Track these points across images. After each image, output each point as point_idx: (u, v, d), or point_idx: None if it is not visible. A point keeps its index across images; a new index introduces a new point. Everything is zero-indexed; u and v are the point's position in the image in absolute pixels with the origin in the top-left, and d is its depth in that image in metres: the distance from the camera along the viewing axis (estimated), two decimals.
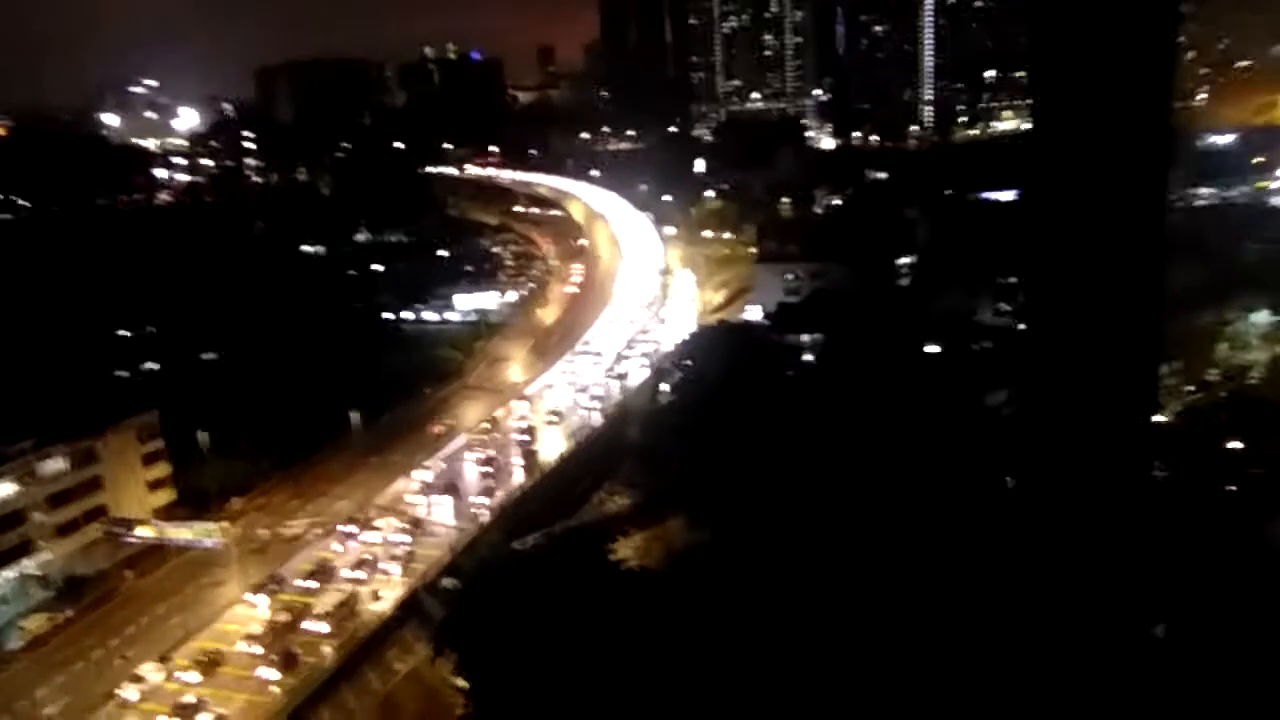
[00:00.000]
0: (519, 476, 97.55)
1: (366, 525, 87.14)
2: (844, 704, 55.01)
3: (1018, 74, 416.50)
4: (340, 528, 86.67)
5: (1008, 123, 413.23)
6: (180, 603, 77.55)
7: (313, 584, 77.89)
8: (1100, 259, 58.60)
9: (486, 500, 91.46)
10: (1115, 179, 57.06)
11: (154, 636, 72.36)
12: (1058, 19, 58.53)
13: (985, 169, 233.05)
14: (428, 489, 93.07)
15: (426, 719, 66.17)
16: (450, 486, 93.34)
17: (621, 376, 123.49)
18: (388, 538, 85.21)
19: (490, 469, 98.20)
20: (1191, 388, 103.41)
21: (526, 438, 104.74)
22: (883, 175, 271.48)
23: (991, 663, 56.03)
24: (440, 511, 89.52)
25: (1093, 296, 59.58)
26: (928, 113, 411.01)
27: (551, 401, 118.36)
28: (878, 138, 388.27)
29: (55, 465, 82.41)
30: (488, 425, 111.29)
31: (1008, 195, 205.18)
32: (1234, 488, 77.11)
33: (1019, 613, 59.29)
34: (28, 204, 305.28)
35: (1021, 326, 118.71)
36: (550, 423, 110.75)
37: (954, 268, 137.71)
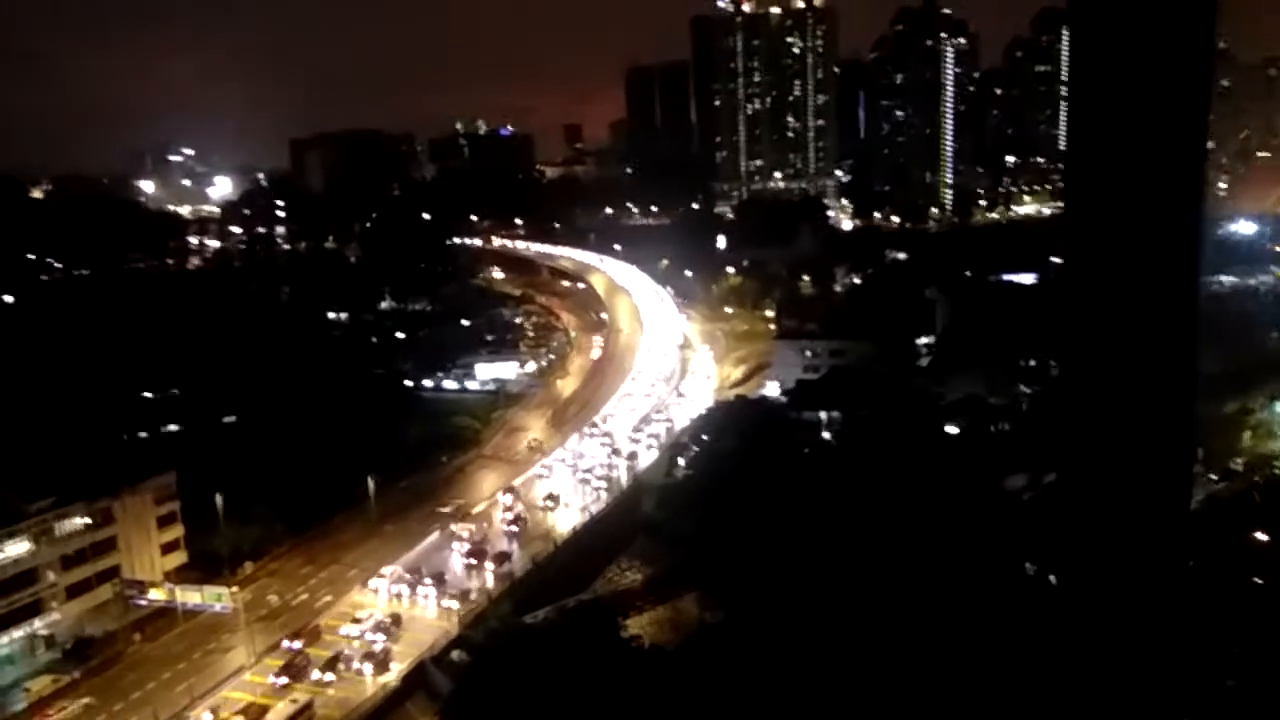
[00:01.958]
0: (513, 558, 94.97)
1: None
2: None
3: (1038, 159, 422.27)
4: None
5: (1027, 206, 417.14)
6: (187, 669, 76.78)
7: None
8: (1134, 342, 58.23)
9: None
10: (1149, 261, 57.07)
11: (159, 701, 71.46)
12: (1091, 103, 59.48)
13: (1005, 251, 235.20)
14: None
15: None
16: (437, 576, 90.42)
17: (632, 457, 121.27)
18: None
19: (474, 560, 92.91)
20: (1215, 476, 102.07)
21: (514, 528, 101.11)
22: (903, 255, 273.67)
23: None
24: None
25: (1127, 380, 59.02)
26: (948, 195, 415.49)
27: (556, 482, 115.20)
28: (898, 219, 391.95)
29: (72, 524, 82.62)
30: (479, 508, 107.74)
31: (1027, 278, 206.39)
32: (1260, 580, 75.62)
33: (1040, 704, 57.81)
34: (60, 265, 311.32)
35: (1043, 409, 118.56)
36: (547, 508, 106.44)
37: (973, 348, 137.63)
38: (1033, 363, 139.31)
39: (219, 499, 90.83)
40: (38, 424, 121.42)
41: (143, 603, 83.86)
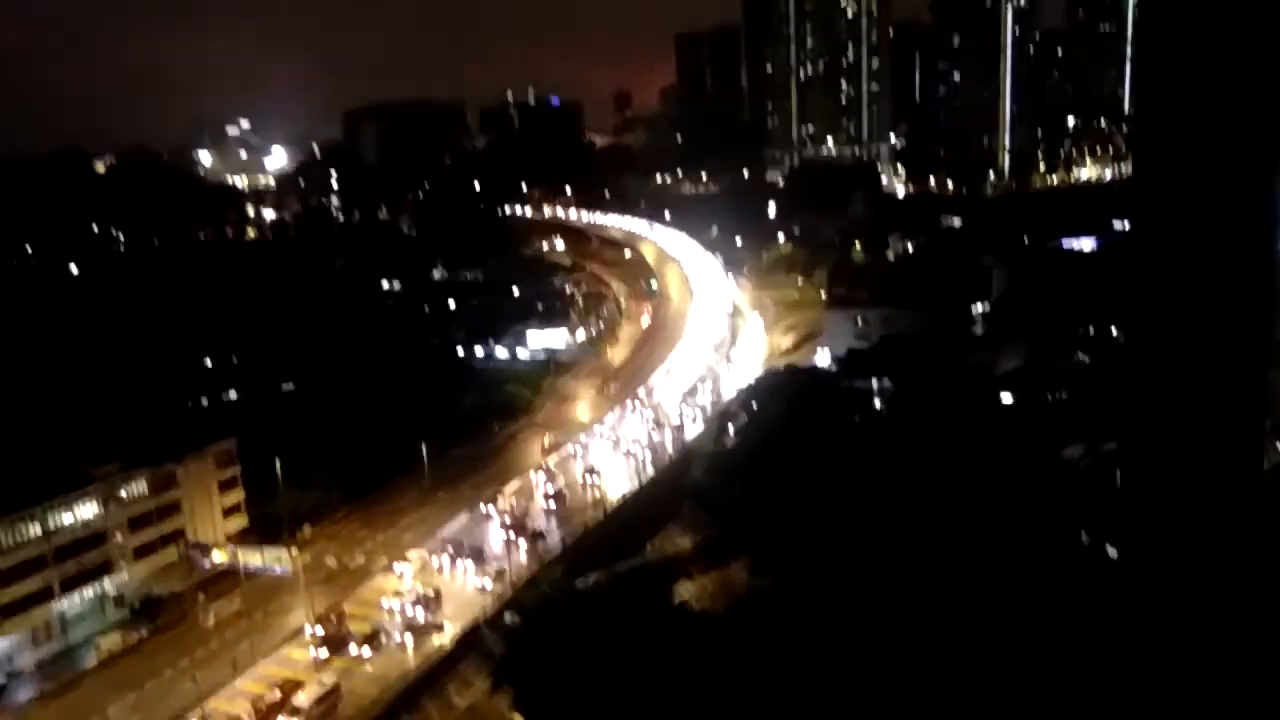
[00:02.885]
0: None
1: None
2: None
3: (1100, 121, 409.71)
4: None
5: (1088, 170, 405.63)
6: (249, 627, 79.17)
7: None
8: (1205, 306, 56.46)
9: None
10: (1222, 223, 55.25)
11: (223, 659, 73.86)
12: (1161, 61, 57.52)
13: (1064, 217, 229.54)
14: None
15: None
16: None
17: (678, 428, 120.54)
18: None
19: (513, 535, 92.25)
20: None
21: (552, 505, 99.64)
22: (958, 222, 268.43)
23: None
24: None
25: (1197, 346, 57.29)
26: (1005, 159, 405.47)
27: (600, 454, 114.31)
28: (953, 184, 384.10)
29: (137, 488, 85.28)
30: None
31: (1087, 244, 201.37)
32: None
33: (1097, 678, 57.08)
34: (124, 237, 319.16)
35: (1102, 378, 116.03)
36: (587, 484, 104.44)
37: (1030, 316, 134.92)
38: (1091, 331, 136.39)
39: (278, 464, 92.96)
40: (104, 392, 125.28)
41: (206, 564, 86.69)
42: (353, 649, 73.55)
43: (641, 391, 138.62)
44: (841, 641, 62.64)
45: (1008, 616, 63.80)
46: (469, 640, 75.43)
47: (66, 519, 79.39)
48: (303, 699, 65.31)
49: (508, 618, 76.69)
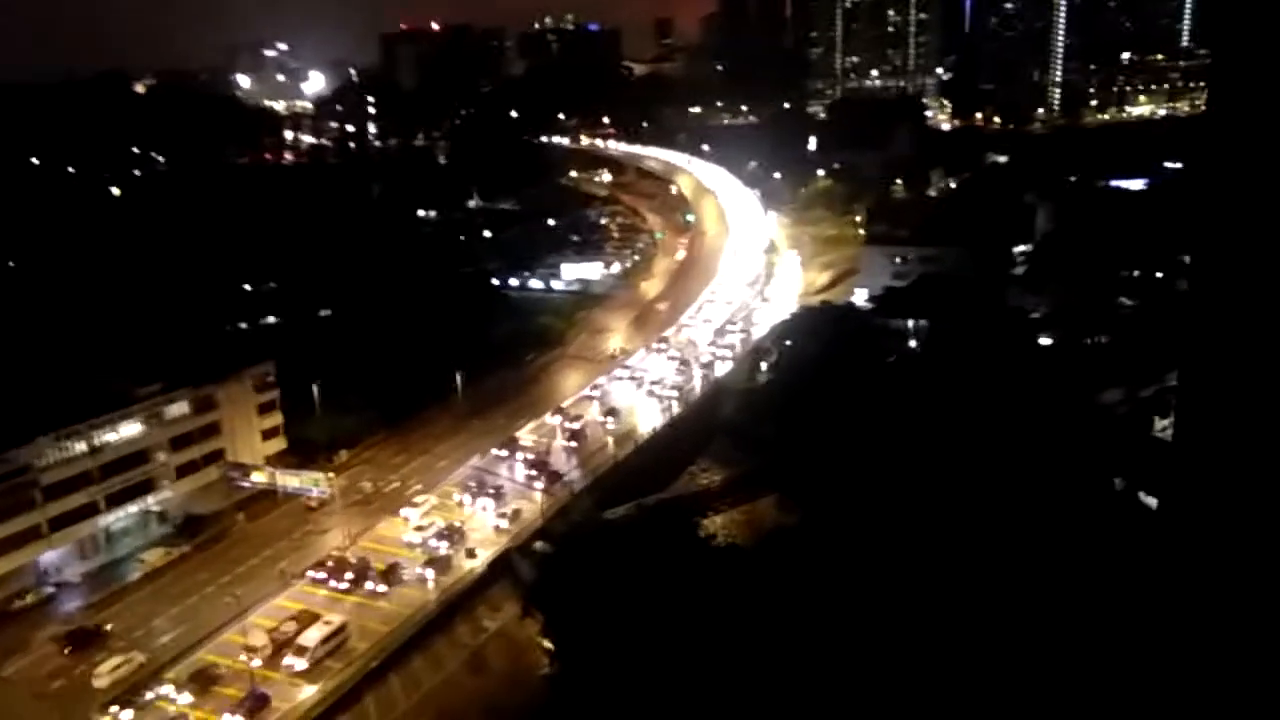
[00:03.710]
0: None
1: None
2: (917, 693, 54.10)
3: (1157, 56, 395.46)
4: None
5: (1141, 107, 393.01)
6: (287, 546, 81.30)
7: None
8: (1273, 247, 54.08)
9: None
10: None
11: (263, 576, 76.05)
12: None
13: (1114, 155, 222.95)
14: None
15: (513, 675, 67.81)
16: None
17: (708, 365, 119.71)
18: None
19: (535, 473, 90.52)
20: None
21: (574, 444, 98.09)
22: (1004, 158, 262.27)
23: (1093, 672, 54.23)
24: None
25: (1263, 288, 54.87)
26: (1056, 94, 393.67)
27: (626, 393, 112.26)
28: (1001, 120, 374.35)
29: (179, 409, 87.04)
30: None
31: (1136, 183, 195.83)
32: None
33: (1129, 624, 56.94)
34: (164, 160, 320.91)
35: (1144, 321, 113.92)
36: (607, 424, 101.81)
37: (1073, 257, 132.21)
38: (1136, 274, 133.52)
39: (315, 389, 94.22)
40: (145, 313, 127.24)
41: (245, 485, 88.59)
42: (368, 584, 73.02)
43: (679, 323, 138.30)
44: (867, 579, 63.08)
45: (1036, 559, 63.81)
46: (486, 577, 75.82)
47: (111, 437, 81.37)
48: (311, 637, 64.93)
49: (538, 545, 78.03)
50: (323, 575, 73.81)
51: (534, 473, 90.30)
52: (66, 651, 67.05)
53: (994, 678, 54.39)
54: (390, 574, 74.25)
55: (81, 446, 78.99)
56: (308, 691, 61.84)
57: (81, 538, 79.67)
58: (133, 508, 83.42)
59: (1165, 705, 51.94)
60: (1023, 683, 53.96)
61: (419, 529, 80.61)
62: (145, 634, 69.72)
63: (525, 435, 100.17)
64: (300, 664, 63.48)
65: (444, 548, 77.97)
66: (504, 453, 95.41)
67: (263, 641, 64.95)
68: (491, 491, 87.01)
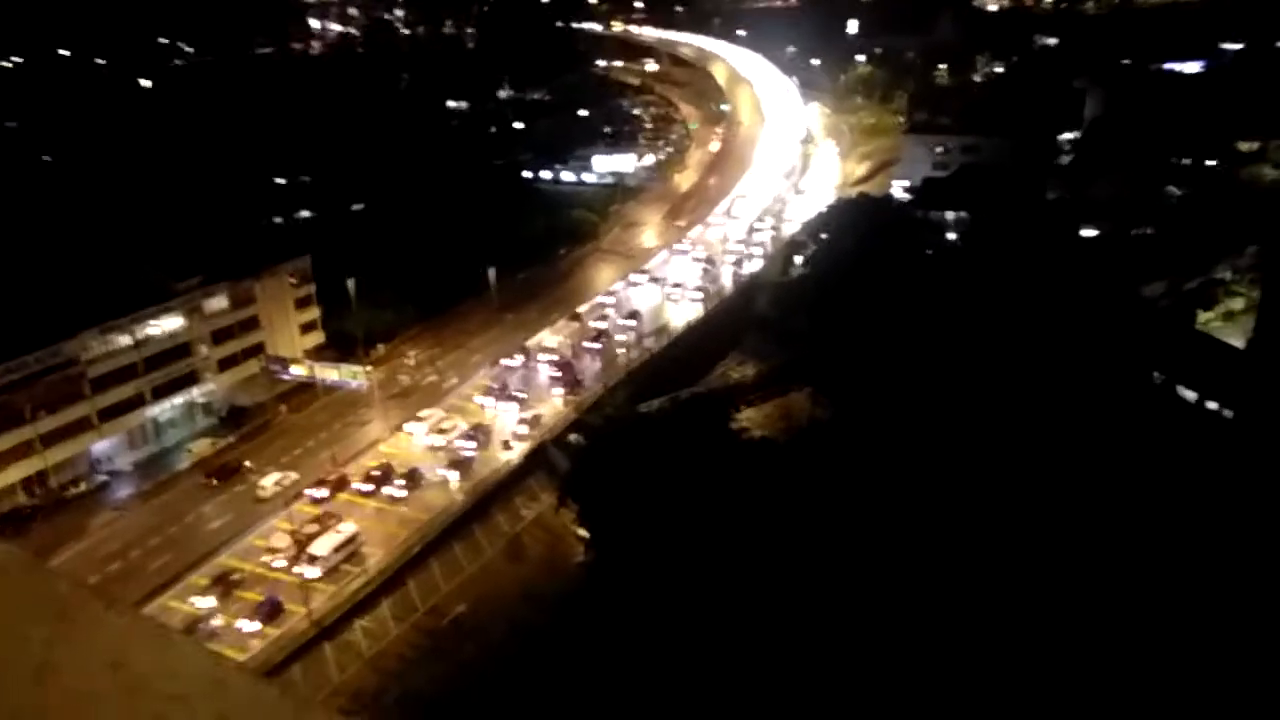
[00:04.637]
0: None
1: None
2: (943, 596, 54.91)
3: None
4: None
5: None
6: (330, 437, 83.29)
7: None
8: None
9: None
10: None
11: (307, 466, 78.24)
12: None
13: (1171, 36, 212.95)
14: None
15: (549, 562, 69.89)
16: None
17: (737, 263, 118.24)
18: None
19: (559, 375, 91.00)
20: None
21: (597, 345, 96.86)
22: (1053, 41, 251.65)
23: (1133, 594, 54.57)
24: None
25: None
26: None
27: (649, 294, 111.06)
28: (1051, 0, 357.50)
29: (218, 303, 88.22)
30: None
31: (1193, 66, 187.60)
32: None
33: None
34: (192, 51, 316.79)
35: (1193, 211, 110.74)
36: (629, 328, 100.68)
37: (1122, 145, 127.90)
38: (1187, 161, 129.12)
39: (351, 283, 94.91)
40: (180, 207, 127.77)
41: (286, 377, 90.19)
42: (387, 488, 73.74)
43: (700, 225, 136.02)
44: (900, 476, 63.52)
45: (1072, 453, 63.74)
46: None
47: (154, 331, 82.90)
48: (323, 547, 65.26)
49: (573, 438, 79.22)
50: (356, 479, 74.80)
51: (558, 374, 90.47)
52: (214, 483, 76.60)
53: (1026, 576, 54.95)
54: (412, 477, 74.60)
55: (126, 339, 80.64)
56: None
57: (130, 429, 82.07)
58: (178, 399, 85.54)
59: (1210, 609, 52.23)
60: (1057, 584, 54.46)
61: (441, 431, 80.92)
62: (196, 519, 72.46)
63: (548, 336, 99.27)
64: (313, 572, 63.74)
65: (470, 448, 78.60)
66: (520, 360, 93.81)
67: (286, 543, 66.16)
68: (515, 395, 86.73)
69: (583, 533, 68.45)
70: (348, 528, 67.77)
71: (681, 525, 59.35)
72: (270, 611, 61.08)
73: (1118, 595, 53.36)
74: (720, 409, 79.14)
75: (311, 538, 66.33)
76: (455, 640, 61.07)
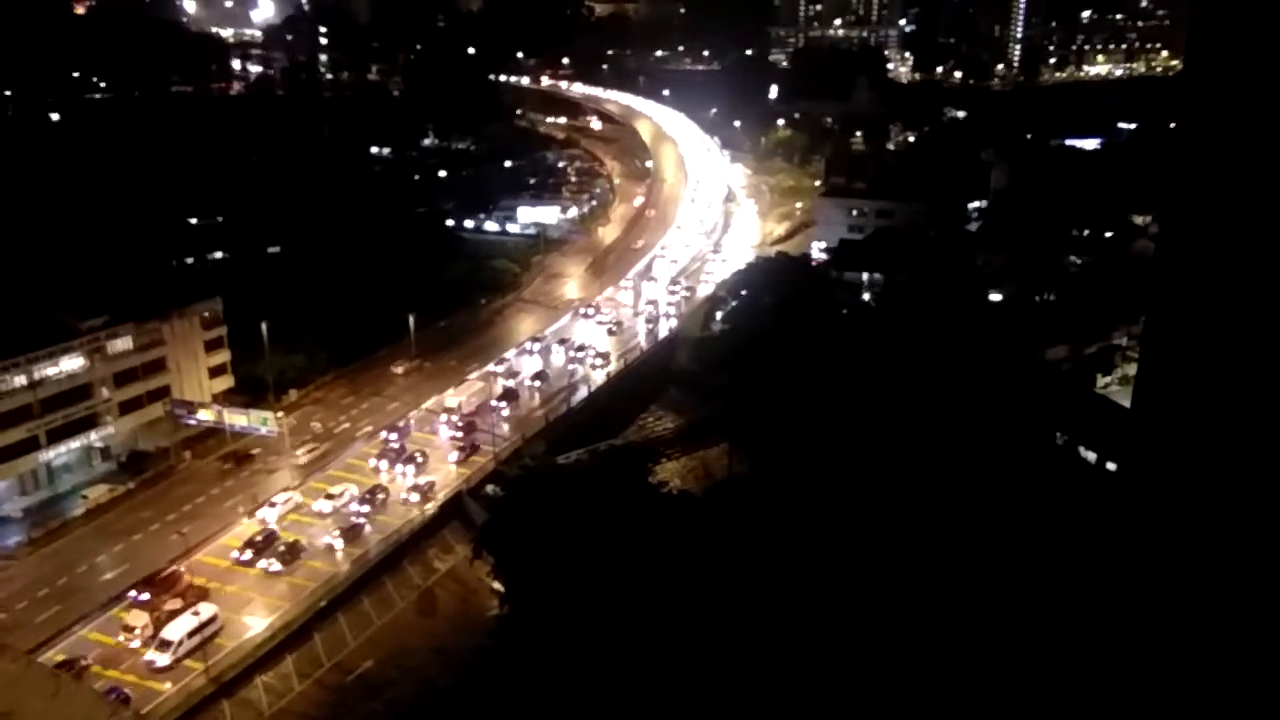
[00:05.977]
0: None
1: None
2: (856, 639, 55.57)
3: (1117, 16, 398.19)
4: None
5: (1099, 66, 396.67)
6: (234, 486, 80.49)
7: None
8: (1251, 205, 53.75)
9: None
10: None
11: (209, 514, 75.28)
12: None
13: (1070, 114, 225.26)
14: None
15: (462, 615, 68.33)
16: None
17: (652, 320, 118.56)
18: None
19: (459, 436, 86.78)
20: None
21: (503, 405, 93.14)
22: (962, 114, 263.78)
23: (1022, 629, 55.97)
24: None
25: (1238, 246, 54.40)
26: (1016, 51, 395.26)
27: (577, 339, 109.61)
28: (961, 74, 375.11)
29: (123, 343, 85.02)
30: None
31: (1091, 143, 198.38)
32: None
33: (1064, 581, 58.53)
34: (105, 86, 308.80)
35: (1092, 279, 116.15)
36: (534, 388, 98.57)
37: (1026, 214, 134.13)
38: (1086, 232, 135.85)
39: (264, 327, 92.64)
40: (88, 245, 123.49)
41: (192, 422, 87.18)
42: (261, 562, 68.07)
43: (628, 276, 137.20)
44: (814, 529, 64.30)
45: (980, 510, 65.43)
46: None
47: (52, 371, 79.41)
48: (176, 631, 58.99)
49: (489, 489, 78.16)
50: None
51: (458, 434, 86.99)
52: (230, 466, 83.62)
53: (935, 621, 56.02)
54: (292, 550, 69.07)
55: (21, 380, 77.00)
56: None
57: (22, 473, 78.12)
58: (75, 443, 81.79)
59: (1113, 651, 53.89)
60: (965, 628, 55.66)
61: (330, 497, 75.99)
62: (88, 570, 68.92)
63: (450, 397, 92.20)
64: (163, 659, 57.85)
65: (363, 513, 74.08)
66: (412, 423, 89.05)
67: (143, 621, 60.43)
68: (407, 459, 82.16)
69: (497, 586, 67.24)
70: (207, 609, 61.49)
71: (598, 579, 58.82)
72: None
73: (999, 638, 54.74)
74: (639, 462, 79.07)
75: (173, 615, 61.00)
76: (361, 697, 59.10)
